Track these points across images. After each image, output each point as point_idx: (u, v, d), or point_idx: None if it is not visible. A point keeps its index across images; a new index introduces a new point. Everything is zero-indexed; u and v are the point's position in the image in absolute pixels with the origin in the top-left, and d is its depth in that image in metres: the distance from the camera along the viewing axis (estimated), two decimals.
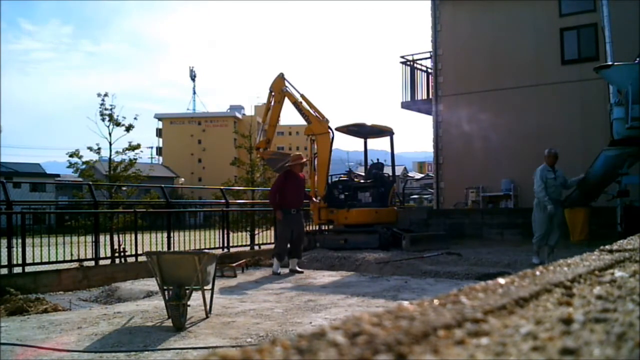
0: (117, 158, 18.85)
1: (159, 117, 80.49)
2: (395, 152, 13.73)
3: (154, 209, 14.10)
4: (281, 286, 7.89)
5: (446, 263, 9.53)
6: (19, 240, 8.58)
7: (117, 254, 10.59)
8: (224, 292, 7.22)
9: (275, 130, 13.10)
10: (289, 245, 9.63)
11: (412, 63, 17.39)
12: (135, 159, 20.11)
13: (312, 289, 7.51)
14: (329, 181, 12.69)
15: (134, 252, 10.19)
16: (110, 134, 18.77)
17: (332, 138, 12.28)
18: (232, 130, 67.39)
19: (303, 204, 9.72)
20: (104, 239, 10.55)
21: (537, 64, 14.78)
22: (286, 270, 9.39)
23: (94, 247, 9.62)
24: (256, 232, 13.81)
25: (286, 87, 12.41)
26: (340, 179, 13.48)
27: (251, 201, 15.25)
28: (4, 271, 8.00)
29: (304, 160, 9.71)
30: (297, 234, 9.53)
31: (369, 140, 14.41)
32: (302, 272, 9.21)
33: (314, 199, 11.90)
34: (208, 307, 5.67)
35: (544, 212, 9.25)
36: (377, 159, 13.42)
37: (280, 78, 12.46)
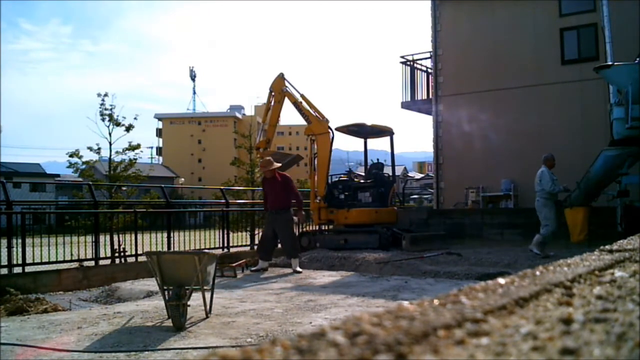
0: (117, 158, 18.82)
1: (159, 117, 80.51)
2: (395, 152, 13.74)
3: (154, 209, 14.10)
4: (281, 286, 7.89)
5: (446, 263, 9.53)
6: (19, 240, 8.58)
7: (117, 254, 10.59)
8: (224, 292, 7.21)
9: (275, 130, 13.09)
10: (279, 246, 9.91)
11: (412, 63, 17.39)
12: (135, 159, 20.09)
13: (312, 289, 7.50)
14: (329, 181, 12.69)
15: (134, 252, 10.19)
16: (110, 134, 18.74)
17: (332, 138, 12.29)
18: (232, 130, 67.43)
19: (284, 206, 9.54)
20: (104, 239, 10.55)
21: (537, 64, 14.79)
22: (266, 266, 9.59)
23: (94, 247, 9.62)
24: (256, 232, 13.81)
25: (286, 87, 12.41)
26: (340, 179, 13.48)
27: (251, 201, 15.25)
28: (4, 271, 7.99)
29: (272, 167, 9.47)
30: (279, 234, 9.62)
31: (369, 140, 14.42)
32: (300, 272, 9.23)
33: (316, 199, 12.04)
34: (208, 307, 5.66)
35: (552, 208, 9.48)
36: (377, 159, 13.42)
37: (280, 78, 12.46)
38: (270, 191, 9.61)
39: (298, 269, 9.41)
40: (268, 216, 9.78)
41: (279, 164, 9.98)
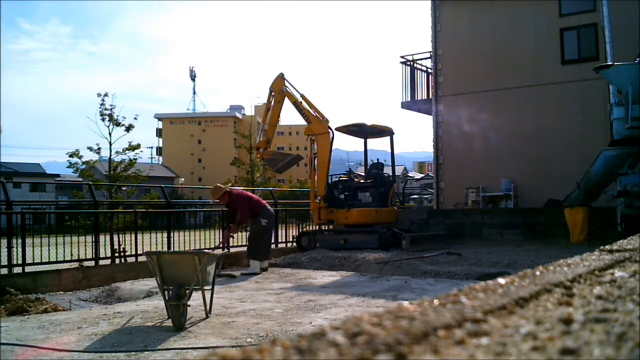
0: (117, 158, 18.86)
1: (159, 117, 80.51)
2: (395, 152, 13.74)
3: (154, 209, 14.11)
4: (281, 286, 7.89)
5: (446, 263, 9.53)
6: (19, 240, 8.58)
7: (117, 254, 10.60)
8: (224, 292, 7.22)
9: (275, 130, 13.10)
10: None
11: (412, 63, 17.40)
12: (135, 159, 20.11)
13: (312, 289, 7.51)
14: (329, 181, 12.69)
15: (134, 252, 10.19)
16: (110, 134, 18.76)
17: (332, 138, 12.30)
18: (232, 130, 67.52)
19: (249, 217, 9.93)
20: (104, 239, 10.55)
21: (537, 64, 14.79)
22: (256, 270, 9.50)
23: (94, 247, 9.62)
24: None
25: (286, 87, 12.42)
26: (340, 179, 13.48)
27: None
28: (4, 271, 7.99)
29: (220, 193, 9.61)
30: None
31: (369, 140, 14.42)
32: (246, 275, 9.15)
33: (316, 199, 12.22)
34: (208, 307, 5.67)
35: None
36: (377, 159, 13.42)
37: (280, 78, 12.47)
38: (232, 210, 9.81)
39: (249, 270, 9.34)
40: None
41: (226, 188, 9.93)
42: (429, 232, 13.59)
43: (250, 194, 10.39)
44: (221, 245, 9.80)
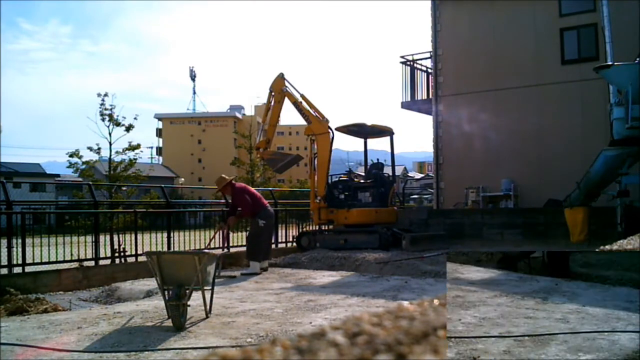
0: (117, 158, 18.86)
1: (159, 117, 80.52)
2: (395, 152, 13.73)
3: (154, 209, 14.11)
4: (281, 286, 7.89)
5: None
6: (19, 240, 8.57)
7: (117, 254, 10.60)
8: (224, 292, 7.21)
9: (275, 130, 13.09)
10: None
11: (412, 63, 17.39)
12: (135, 159, 20.12)
13: (312, 289, 7.50)
14: (329, 181, 12.69)
15: (134, 252, 10.19)
16: (110, 134, 18.77)
17: (332, 138, 12.30)
18: (232, 130, 67.56)
19: (247, 214, 9.78)
20: (104, 239, 10.55)
21: (537, 64, 14.79)
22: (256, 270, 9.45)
23: (94, 247, 9.62)
24: None
25: (286, 87, 12.42)
26: (340, 179, 13.47)
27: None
28: (4, 271, 7.99)
29: (224, 183, 9.60)
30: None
31: (369, 140, 14.41)
32: (245, 275, 9.14)
33: (316, 199, 12.24)
34: (208, 307, 5.67)
35: None
36: (377, 159, 13.41)
37: (280, 78, 12.47)
38: (233, 206, 9.79)
39: (249, 271, 9.33)
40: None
41: (230, 179, 9.86)
42: (429, 232, 13.59)
43: (253, 190, 10.35)
44: (212, 242, 9.79)
